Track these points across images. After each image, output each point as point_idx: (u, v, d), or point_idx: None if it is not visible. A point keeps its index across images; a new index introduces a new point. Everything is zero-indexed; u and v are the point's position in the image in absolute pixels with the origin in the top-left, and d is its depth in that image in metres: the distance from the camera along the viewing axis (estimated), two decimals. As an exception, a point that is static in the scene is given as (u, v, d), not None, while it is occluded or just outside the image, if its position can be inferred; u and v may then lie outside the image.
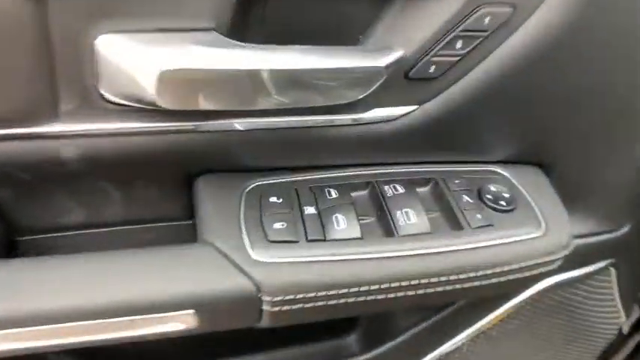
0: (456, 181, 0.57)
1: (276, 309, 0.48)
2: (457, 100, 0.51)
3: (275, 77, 0.43)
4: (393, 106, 0.51)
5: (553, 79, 0.51)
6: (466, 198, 0.55)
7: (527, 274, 0.55)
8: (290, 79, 0.44)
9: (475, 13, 0.44)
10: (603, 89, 0.53)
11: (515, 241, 0.53)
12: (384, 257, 0.49)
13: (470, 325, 0.73)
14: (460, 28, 0.44)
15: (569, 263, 0.65)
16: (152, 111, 0.44)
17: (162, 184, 0.56)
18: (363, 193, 0.56)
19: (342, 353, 0.76)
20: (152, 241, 0.61)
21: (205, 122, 0.47)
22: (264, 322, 0.50)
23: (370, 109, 0.51)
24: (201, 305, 0.46)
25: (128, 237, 0.60)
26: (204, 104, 0.43)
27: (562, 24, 0.46)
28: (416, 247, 0.50)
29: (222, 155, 0.53)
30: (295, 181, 0.55)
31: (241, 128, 0.49)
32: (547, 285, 0.69)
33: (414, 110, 0.52)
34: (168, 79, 0.40)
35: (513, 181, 0.60)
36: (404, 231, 0.51)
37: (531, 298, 0.70)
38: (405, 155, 0.58)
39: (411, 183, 0.56)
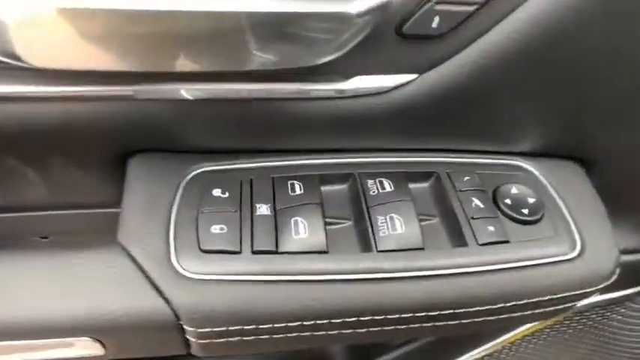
0: (465, 178, 0.43)
1: (205, 341, 0.37)
2: (470, 70, 0.37)
3: (204, 24, 0.30)
4: (384, 73, 0.38)
5: (604, 46, 0.36)
6: (476, 202, 0.42)
7: (550, 308, 0.41)
8: (224, 28, 0.31)
9: None
10: None
11: (538, 265, 0.39)
12: (354, 279, 0.37)
13: (477, 345, 0.60)
14: None
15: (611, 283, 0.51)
16: (57, 72, 0.32)
17: (88, 164, 0.44)
18: (340, 187, 0.43)
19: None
20: (80, 231, 0.50)
21: (140, 87, 0.36)
22: (197, 353, 0.39)
23: (352, 76, 0.38)
24: (99, 332, 0.35)
25: (52, 224, 0.49)
26: (91, 62, 0.31)
27: None
28: (399, 268, 0.37)
29: (162, 131, 0.41)
30: (252, 168, 0.43)
31: (189, 97, 0.37)
32: (579, 305, 0.55)
33: (412, 81, 0.38)
34: (32, 26, 0.28)
35: (543, 180, 0.45)
36: (385, 244, 0.38)
37: (556, 320, 0.56)
38: (399, 140, 0.44)
39: (403, 177, 0.42)
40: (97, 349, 0.36)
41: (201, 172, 0.42)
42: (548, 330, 0.58)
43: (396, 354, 0.59)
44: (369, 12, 0.31)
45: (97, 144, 0.42)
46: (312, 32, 0.32)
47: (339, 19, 0.31)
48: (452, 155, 0.46)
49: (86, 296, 0.34)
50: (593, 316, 0.58)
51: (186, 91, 0.37)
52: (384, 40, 0.35)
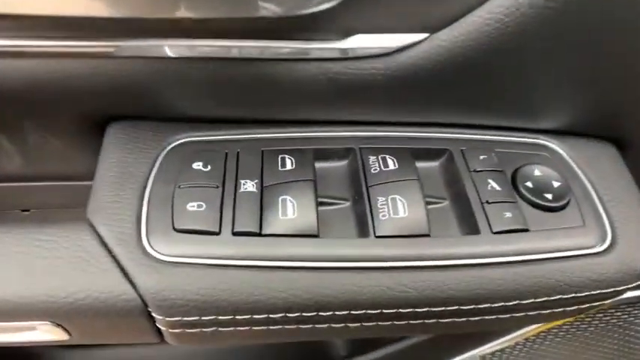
0: (482, 157, 0.38)
1: (177, 331, 0.33)
2: (488, 31, 0.31)
3: None
4: (388, 32, 0.32)
5: None
6: (492, 184, 0.36)
7: (573, 307, 0.36)
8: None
9: None
10: None
11: (562, 258, 0.34)
12: (346, 268, 0.32)
13: (488, 341, 0.55)
14: None
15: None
16: (26, 22, 0.29)
17: (65, 131, 0.40)
18: (339, 164, 0.39)
19: (328, 356, 0.62)
20: (63, 204, 0.46)
21: (120, 42, 0.32)
22: (171, 342, 0.35)
23: (351, 34, 0.32)
24: (59, 316, 0.31)
25: (32, 197, 0.46)
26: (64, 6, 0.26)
27: None
28: (398, 256, 0.33)
29: (143, 95, 0.37)
30: (240, 140, 0.38)
31: (173, 54, 0.33)
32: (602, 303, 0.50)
33: (421, 41, 0.33)
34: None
35: (570, 162, 0.40)
36: (385, 229, 0.33)
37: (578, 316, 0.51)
38: (406, 111, 0.39)
39: (410, 154, 0.38)
40: (60, 334, 0.33)
41: (183, 142, 0.38)
42: (567, 327, 0.53)
43: (404, 345, 0.55)
44: None
45: (72, 108, 0.38)
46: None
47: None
48: (467, 131, 0.40)
49: (46, 277, 0.31)
50: (619, 313, 0.52)
51: (170, 48, 0.33)
52: None
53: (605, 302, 0.37)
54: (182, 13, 0.31)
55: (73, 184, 0.45)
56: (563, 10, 0.30)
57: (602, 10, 0.31)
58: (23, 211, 0.49)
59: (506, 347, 0.54)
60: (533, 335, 0.54)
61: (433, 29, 0.32)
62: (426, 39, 0.33)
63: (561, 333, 0.54)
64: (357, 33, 0.32)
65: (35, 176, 0.45)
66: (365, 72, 0.34)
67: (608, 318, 0.53)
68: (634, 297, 0.50)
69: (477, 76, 0.35)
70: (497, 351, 0.55)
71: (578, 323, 0.53)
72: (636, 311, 0.53)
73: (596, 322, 0.53)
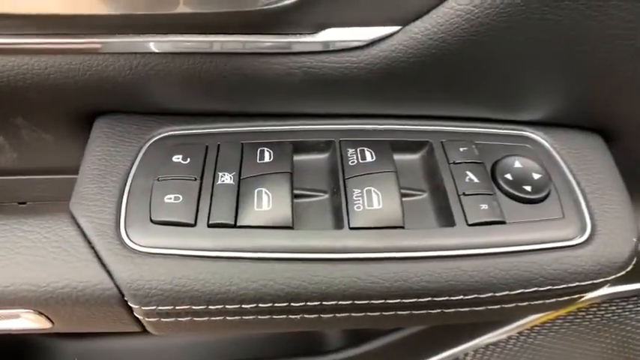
0: (462, 149, 0.38)
1: (153, 320, 0.34)
2: (462, 21, 0.31)
3: None
4: (361, 25, 0.33)
5: None
6: (470, 176, 0.36)
7: (550, 300, 0.36)
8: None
9: None
10: None
11: (538, 250, 0.34)
12: (318, 259, 0.33)
13: (480, 334, 0.55)
14: None
15: (633, 274, 0.45)
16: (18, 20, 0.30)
17: (55, 126, 0.41)
18: (320, 157, 0.39)
19: (322, 347, 0.62)
20: (59, 197, 0.48)
21: (107, 39, 0.33)
22: (151, 331, 0.36)
23: (324, 28, 0.33)
24: (40, 304, 0.32)
25: (29, 190, 0.47)
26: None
27: None
28: (370, 248, 0.33)
29: (128, 90, 0.37)
30: (221, 133, 0.39)
31: (156, 50, 0.34)
32: (593, 297, 0.49)
33: (393, 33, 0.33)
34: None
35: (553, 153, 0.40)
36: (358, 220, 0.33)
37: (569, 310, 0.51)
38: (385, 104, 0.39)
39: (390, 146, 0.38)
40: (43, 322, 0.34)
41: (165, 136, 0.39)
42: (560, 321, 0.53)
43: (393, 338, 0.55)
44: None
45: (60, 104, 0.39)
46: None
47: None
48: (449, 123, 0.40)
49: (28, 266, 0.32)
50: (613, 307, 0.52)
51: (155, 44, 0.33)
52: None
53: (584, 295, 0.36)
54: (165, 9, 0.31)
55: (67, 177, 0.47)
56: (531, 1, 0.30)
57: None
58: (20, 203, 0.50)
59: (500, 341, 0.54)
60: (527, 329, 0.53)
61: (405, 22, 0.32)
62: (398, 31, 0.33)
63: (555, 327, 0.53)
64: (331, 27, 0.33)
65: (29, 170, 0.46)
66: (340, 65, 0.34)
67: (602, 312, 0.52)
68: (628, 291, 0.49)
69: (452, 68, 0.34)
70: (490, 344, 0.54)
71: (572, 317, 0.52)
72: (631, 306, 0.52)
73: (590, 316, 0.52)
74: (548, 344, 0.54)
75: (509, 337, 0.54)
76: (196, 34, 0.33)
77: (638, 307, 0.52)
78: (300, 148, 0.38)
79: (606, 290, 0.50)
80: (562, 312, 0.51)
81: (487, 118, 0.40)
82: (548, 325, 0.53)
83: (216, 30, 0.33)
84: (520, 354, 0.54)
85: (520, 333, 0.53)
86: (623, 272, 0.35)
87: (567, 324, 0.53)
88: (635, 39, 0.32)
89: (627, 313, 0.52)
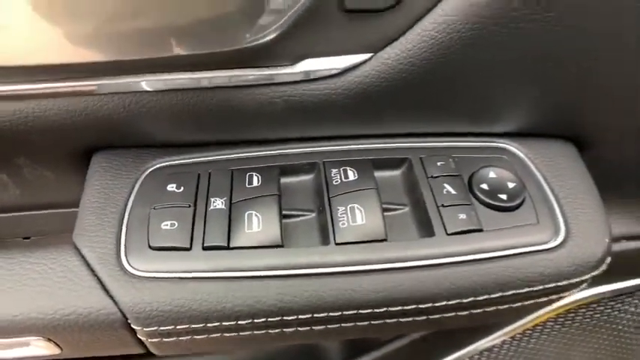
0: (439, 163, 0.40)
1: (156, 340, 0.36)
2: (430, 45, 0.34)
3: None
4: (334, 55, 0.35)
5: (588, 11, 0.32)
6: (448, 188, 0.39)
7: (530, 302, 0.38)
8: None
9: None
10: None
11: (514, 255, 0.36)
12: (308, 274, 0.35)
13: (473, 340, 0.56)
14: None
15: (615, 273, 0.47)
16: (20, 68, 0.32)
17: (56, 164, 0.44)
18: (306, 178, 0.41)
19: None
20: (61, 230, 0.50)
21: (102, 81, 0.35)
22: (154, 352, 0.38)
23: (303, 59, 0.35)
24: (49, 331, 0.34)
25: (33, 225, 0.50)
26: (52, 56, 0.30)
27: None
28: (356, 261, 0.35)
29: (124, 126, 0.40)
30: (212, 161, 0.41)
31: (148, 88, 0.36)
32: (580, 298, 0.51)
33: (366, 61, 0.35)
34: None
35: (528, 163, 0.42)
36: (344, 236, 0.36)
37: (558, 313, 0.52)
38: (365, 125, 0.41)
39: (372, 164, 0.40)
40: (52, 349, 0.36)
41: (159, 167, 0.41)
42: (551, 324, 0.54)
43: (387, 350, 0.57)
44: None
45: (60, 143, 0.42)
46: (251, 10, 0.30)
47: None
48: (428, 139, 0.43)
49: (36, 296, 0.34)
50: (601, 308, 0.53)
51: (146, 83, 0.36)
52: (328, 18, 0.32)
53: (563, 295, 0.38)
54: (157, 53, 0.34)
55: (69, 211, 0.49)
56: (506, 20, 0.32)
57: (536, 19, 0.33)
58: (25, 238, 0.53)
59: (494, 346, 0.55)
60: (519, 333, 0.55)
61: (376, 49, 0.35)
62: (370, 58, 0.35)
63: (546, 330, 0.55)
64: (308, 57, 0.35)
65: (32, 205, 0.48)
66: (319, 92, 0.37)
67: (591, 313, 0.53)
68: (615, 290, 0.51)
69: (424, 88, 0.37)
70: (485, 350, 0.56)
71: (562, 319, 0.54)
72: (619, 305, 0.53)
73: (580, 317, 0.54)
74: (542, 347, 0.55)
75: (504, 342, 0.55)
76: (185, 71, 0.36)
77: (625, 305, 0.54)
78: (286, 171, 0.41)
79: (594, 291, 0.51)
80: (552, 314, 0.53)
81: (463, 132, 0.43)
82: (539, 327, 0.54)
83: (203, 67, 0.36)
84: (515, 359, 0.56)
85: (513, 337, 0.55)
86: (598, 272, 0.37)
87: (558, 326, 0.54)
88: (601, 52, 0.34)
89: (616, 312, 0.54)
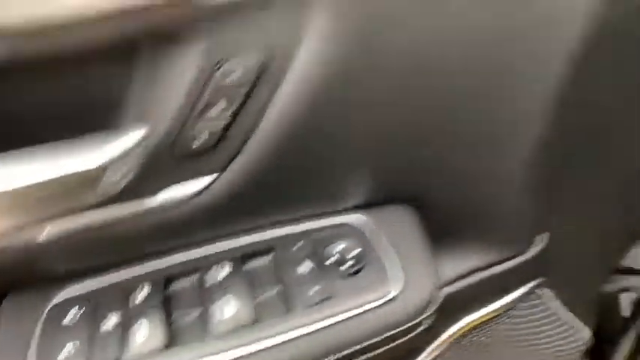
0: (299, 244, 0.49)
1: None
2: (268, 152, 0.42)
3: None
4: (186, 181, 0.43)
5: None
6: (303, 267, 0.47)
7: (384, 348, 0.46)
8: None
9: (217, 71, 0.36)
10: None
11: (361, 313, 0.45)
12: None
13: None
14: (207, 92, 0.37)
15: (488, 296, 0.57)
16: None
17: None
18: (190, 279, 0.48)
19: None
20: None
21: None
22: None
23: (159, 192, 0.43)
24: None
25: None
26: None
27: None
28: (230, 348, 0.42)
29: (24, 272, 0.45)
30: (104, 287, 0.47)
31: (45, 238, 0.42)
32: (465, 324, 0.60)
33: (215, 180, 0.44)
34: None
35: (368, 231, 0.51)
36: (218, 329, 0.43)
37: (455, 339, 0.60)
38: (233, 227, 0.50)
39: (240, 259, 0.48)
40: None
41: (63, 297, 0.46)
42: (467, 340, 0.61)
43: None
44: (112, 163, 0.36)
45: None
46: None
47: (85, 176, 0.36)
48: (288, 225, 0.51)
49: None
50: (471, 336, 0.62)
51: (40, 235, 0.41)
52: (168, 163, 0.40)
53: (410, 336, 0.47)
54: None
55: None
56: (322, 118, 0.40)
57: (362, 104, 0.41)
58: None
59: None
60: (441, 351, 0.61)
61: (219, 170, 0.43)
62: (218, 177, 0.43)
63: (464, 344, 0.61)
64: (162, 189, 0.43)
65: None
66: (186, 212, 0.44)
67: (490, 331, 0.61)
68: (471, 321, 0.60)
69: (275, 187, 0.45)
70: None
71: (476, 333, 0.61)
72: (484, 331, 0.63)
73: (459, 350, 0.62)
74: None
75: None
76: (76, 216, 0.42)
77: (514, 320, 0.63)
78: (174, 277, 0.47)
79: (471, 318, 0.61)
80: (464, 330, 0.60)
81: (318, 213, 0.52)
82: (456, 344, 0.61)
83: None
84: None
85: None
86: (432, 312, 0.47)
87: (475, 338, 0.62)
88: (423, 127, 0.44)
89: (484, 338, 0.63)
